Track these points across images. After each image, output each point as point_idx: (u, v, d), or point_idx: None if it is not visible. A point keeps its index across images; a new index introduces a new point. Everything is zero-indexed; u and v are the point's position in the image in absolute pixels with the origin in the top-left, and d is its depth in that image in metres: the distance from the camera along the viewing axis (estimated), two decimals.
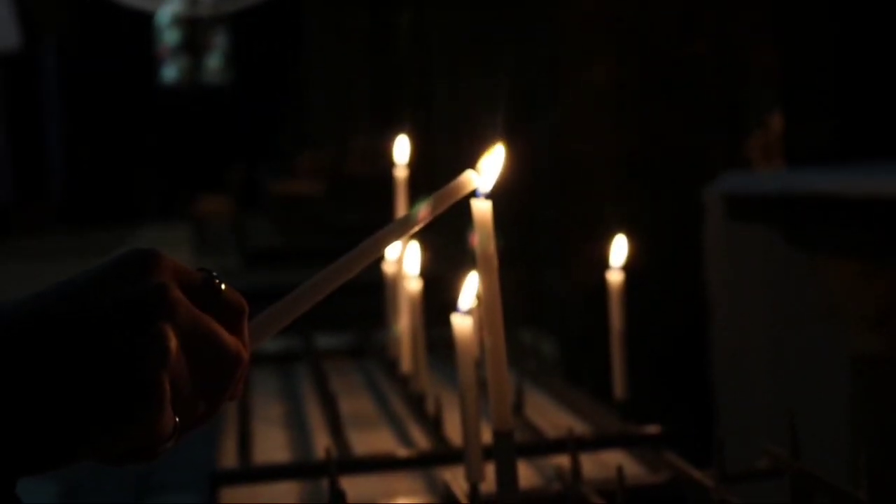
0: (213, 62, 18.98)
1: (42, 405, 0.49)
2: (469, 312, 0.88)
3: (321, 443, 1.36)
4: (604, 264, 1.24)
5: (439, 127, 5.96)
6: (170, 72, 18.81)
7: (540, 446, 1.23)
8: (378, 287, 1.54)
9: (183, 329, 0.54)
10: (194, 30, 18.53)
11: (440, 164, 5.11)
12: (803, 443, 1.02)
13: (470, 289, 0.87)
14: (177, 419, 0.54)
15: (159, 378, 0.51)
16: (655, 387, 3.14)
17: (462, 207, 0.77)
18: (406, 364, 1.42)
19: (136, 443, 0.52)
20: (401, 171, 1.37)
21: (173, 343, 0.53)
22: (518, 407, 1.38)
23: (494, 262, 0.80)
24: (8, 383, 0.49)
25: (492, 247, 0.78)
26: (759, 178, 2.84)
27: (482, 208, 0.77)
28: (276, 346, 2.01)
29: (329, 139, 12.66)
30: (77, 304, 0.52)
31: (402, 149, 1.38)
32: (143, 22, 17.24)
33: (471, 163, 0.78)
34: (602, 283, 1.24)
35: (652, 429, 1.22)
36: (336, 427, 1.33)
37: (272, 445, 1.41)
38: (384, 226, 0.73)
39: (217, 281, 0.59)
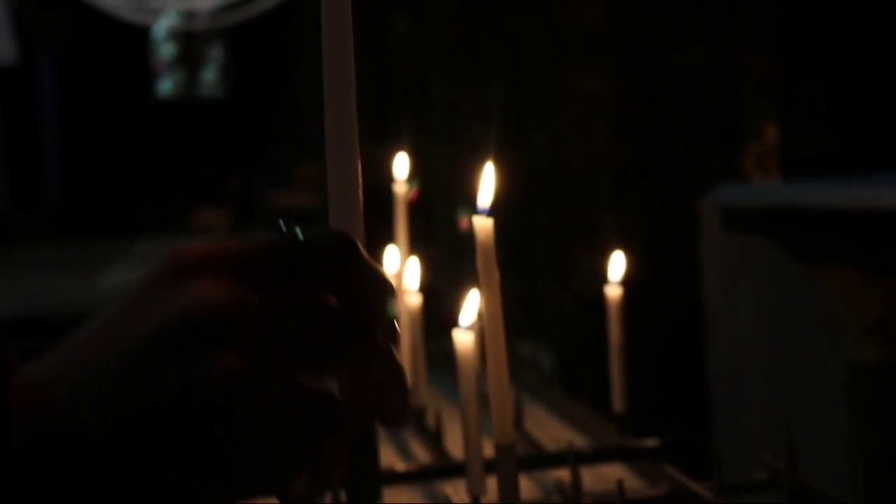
0: (210, 75, 19.02)
1: None
2: (470, 328, 0.89)
3: None
4: (601, 275, 1.25)
5: (435, 136, 5.98)
6: (166, 85, 18.84)
7: (540, 459, 1.23)
8: None
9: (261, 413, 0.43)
10: (190, 43, 18.57)
11: (436, 174, 5.12)
12: (801, 453, 1.03)
13: (471, 304, 0.88)
14: None
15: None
16: (653, 398, 3.15)
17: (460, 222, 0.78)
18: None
19: None
20: (400, 186, 1.38)
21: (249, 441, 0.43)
22: (518, 420, 1.39)
23: (496, 278, 0.81)
24: None
25: (494, 263, 0.79)
26: (756, 189, 2.85)
27: (484, 225, 0.78)
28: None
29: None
30: (115, 422, 0.42)
31: (401, 164, 1.38)
32: (139, 35, 17.27)
33: (467, 173, 0.79)
34: (600, 294, 1.25)
35: (651, 442, 1.23)
36: None
37: None
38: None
39: (296, 235, 0.44)
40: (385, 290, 0.45)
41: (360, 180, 0.51)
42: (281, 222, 0.45)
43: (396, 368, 0.46)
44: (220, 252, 0.45)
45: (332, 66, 0.51)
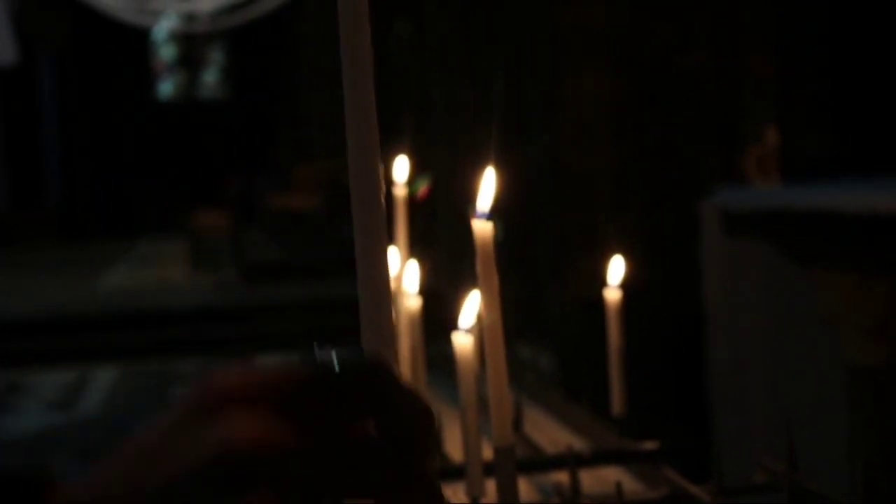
0: (210, 77, 19.03)
1: None
2: (470, 331, 0.89)
3: None
4: (601, 277, 1.25)
5: (435, 137, 5.98)
6: (166, 87, 18.85)
7: (539, 462, 1.23)
8: None
9: None
10: (191, 45, 18.58)
11: (436, 175, 5.12)
12: (801, 455, 1.03)
13: (471, 307, 0.88)
14: None
15: None
16: (653, 401, 3.15)
17: (461, 225, 0.78)
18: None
19: None
20: (400, 189, 1.37)
21: None
22: (517, 423, 1.39)
23: (496, 282, 0.81)
24: None
25: (493, 267, 0.80)
26: (756, 192, 2.86)
27: (483, 228, 0.78)
28: (272, 361, 2.02)
29: (326, 152, 12.69)
30: None
31: (401, 168, 1.38)
32: (140, 38, 17.29)
33: (468, 176, 0.79)
34: (600, 296, 1.25)
35: (650, 445, 1.23)
36: None
37: None
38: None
39: (330, 364, 0.43)
40: (423, 417, 0.44)
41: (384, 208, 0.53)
42: (315, 347, 0.44)
43: (435, 493, 0.45)
44: (253, 381, 0.44)
45: (352, 88, 0.52)
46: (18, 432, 4.98)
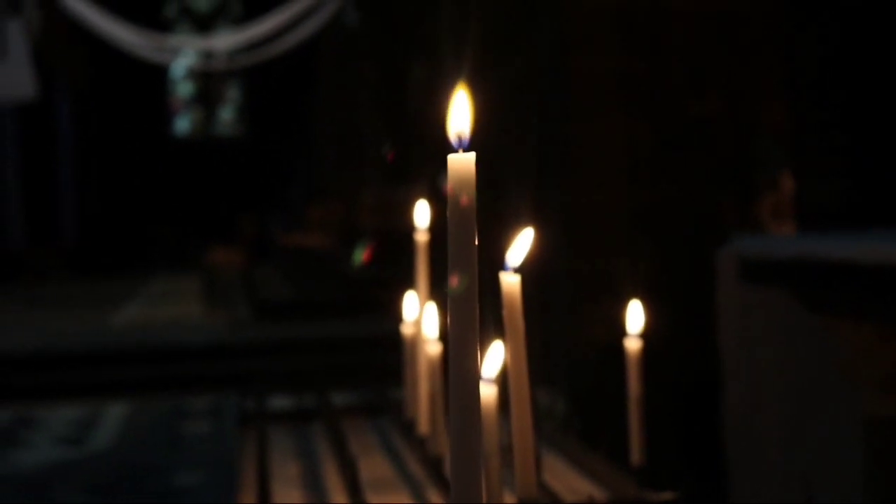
0: (226, 114, 19.16)
1: None
2: (493, 381, 0.90)
3: None
4: (615, 323, 1.25)
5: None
6: (183, 123, 18.99)
7: None
8: (394, 342, 1.56)
9: None
10: (208, 83, 18.73)
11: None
12: None
13: (494, 357, 0.89)
14: None
15: None
16: (669, 449, 3.14)
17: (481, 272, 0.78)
18: (424, 426, 1.43)
19: None
20: (421, 235, 1.38)
21: None
22: (536, 471, 1.39)
23: (522, 336, 0.81)
24: None
25: (520, 321, 0.80)
26: (773, 241, 2.85)
27: (511, 283, 0.79)
28: (290, 402, 2.02)
29: (340, 192, 12.74)
30: None
31: (422, 212, 1.39)
32: (158, 74, 17.43)
33: (482, 215, 0.80)
34: (615, 342, 1.26)
35: (667, 495, 1.23)
36: (355, 489, 1.34)
37: None
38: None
39: None
40: None
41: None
42: None
43: None
44: None
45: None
46: (30, 467, 4.98)
